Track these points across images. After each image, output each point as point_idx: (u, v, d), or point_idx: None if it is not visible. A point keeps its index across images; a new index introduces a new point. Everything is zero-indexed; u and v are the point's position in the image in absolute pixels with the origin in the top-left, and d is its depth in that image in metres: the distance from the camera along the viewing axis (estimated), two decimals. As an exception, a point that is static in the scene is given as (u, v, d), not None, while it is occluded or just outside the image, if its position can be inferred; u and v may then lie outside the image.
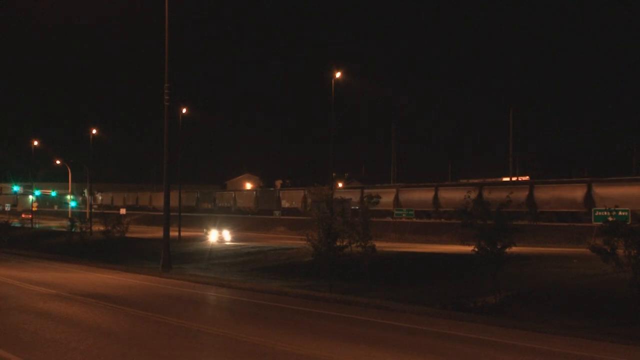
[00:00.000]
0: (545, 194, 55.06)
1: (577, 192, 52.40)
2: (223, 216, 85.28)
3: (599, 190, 50.76)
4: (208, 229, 54.83)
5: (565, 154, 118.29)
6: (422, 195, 64.86)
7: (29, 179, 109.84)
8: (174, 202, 63.50)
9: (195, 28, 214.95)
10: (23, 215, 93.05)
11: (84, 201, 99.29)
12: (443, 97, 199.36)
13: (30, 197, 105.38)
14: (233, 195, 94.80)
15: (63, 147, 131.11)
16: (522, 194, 55.12)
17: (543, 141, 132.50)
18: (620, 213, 40.45)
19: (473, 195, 26.81)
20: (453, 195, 56.13)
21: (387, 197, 66.98)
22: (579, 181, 56.03)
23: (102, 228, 49.95)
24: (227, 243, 50.76)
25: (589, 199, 50.98)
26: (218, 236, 52.59)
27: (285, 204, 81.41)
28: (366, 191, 69.48)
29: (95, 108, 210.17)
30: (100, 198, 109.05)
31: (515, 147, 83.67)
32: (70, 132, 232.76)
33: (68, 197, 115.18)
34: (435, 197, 62.39)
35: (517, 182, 66.22)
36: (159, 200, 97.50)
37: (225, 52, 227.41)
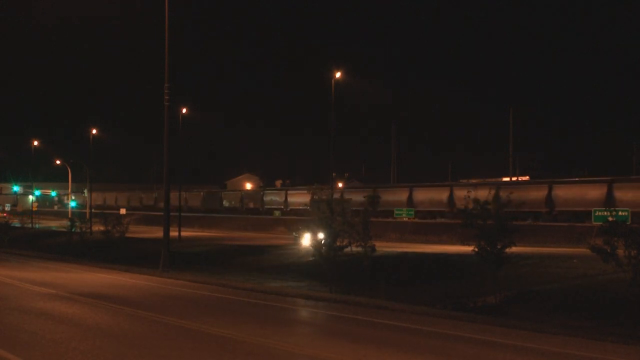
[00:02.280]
0: (565, 193, 54.15)
1: (596, 192, 51.34)
2: (228, 216, 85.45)
3: (618, 191, 50.02)
4: (298, 231, 47.02)
5: (565, 154, 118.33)
6: (437, 195, 63.86)
7: (29, 179, 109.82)
8: (176, 202, 63.78)
9: (195, 28, 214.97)
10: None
11: (74, 200, 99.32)
12: (443, 97, 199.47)
13: (30, 197, 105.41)
14: (240, 195, 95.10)
15: (63, 147, 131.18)
16: (540, 194, 54.87)
17: (543, 141, 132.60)
18: (620, 213, 40.47)
19: (490, 194, 26.46)
20: (469, 195, 55.26)
21: (400, 196, 66.85)
22: (598, 181, 54.58)
23: (102, 228, 49.96)
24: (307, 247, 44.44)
25: (609, 199, 49.93)
26: (311, 240, 45.80)
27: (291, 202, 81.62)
28: (378, 190, 69.49)
29: (95, 108, 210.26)
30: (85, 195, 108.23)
31: (515, 147, 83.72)
32: (70, 132, 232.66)
33: (55, 196, 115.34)
34: (450, 196, 60.98)
35: (534, 181, 64.73)
36: (186, 200, 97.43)
37: (225, 52, 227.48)
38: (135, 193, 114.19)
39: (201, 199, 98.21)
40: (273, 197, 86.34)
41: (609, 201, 49.49)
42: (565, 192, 54.27)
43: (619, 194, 49.92)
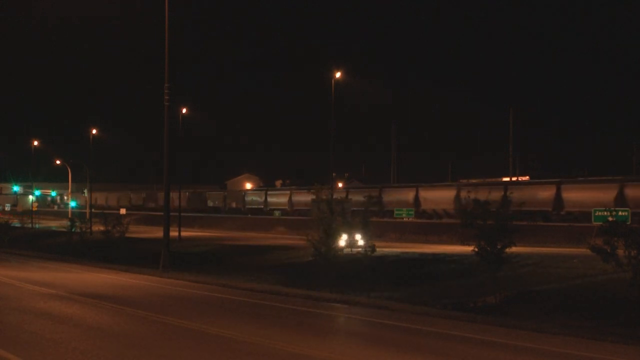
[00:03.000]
0: (574, 193, 53.67)
1: (609, 193, 50.75)
2: (228, 216, 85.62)
3: (630, 192, 49.58)
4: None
5: (565, 154, 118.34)
6: (443, 195, 63.42)
7: (29, 179, 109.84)
8: (182, 203, 63.84)
9: (195, 28, 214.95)
10: None
11: (61, 200, 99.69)
12: (443, 97, 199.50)
13: (30, 197, 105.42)
14: (223, 195, 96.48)
15: (63, 147, 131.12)
16: (548, 194, 54.55)
17: (543, 141, 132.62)
18: (620, 213, 40.42)
19: (496, 194, 26.33)
20: (476, 195, 53.94)
21: (405, 196, 66.72)
22: (610, 180, 54.11)
23: (102, 228, 49.93)
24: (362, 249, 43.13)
25: (620, 199, 49.39)
26: (348, 240, 42.85)
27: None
28: (383, 190, 69.49)
29: (95, 108, 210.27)
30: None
31: (515, 147, 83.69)
32: (70, 132, 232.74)
33: (55, 196, 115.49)
34: (457, 196, 59.69)
35: (543, 181, 64.31)
36: (172, 200, 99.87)
37: (225, 52, 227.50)
38: (135, 193, 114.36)
39: (186, 198, 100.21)
40: (253, 197, 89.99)
41: (620, 202, 49.00)
42: (575, 194, 53.60)
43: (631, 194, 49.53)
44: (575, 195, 53.58)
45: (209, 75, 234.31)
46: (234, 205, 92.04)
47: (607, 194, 50.77)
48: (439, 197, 63.62)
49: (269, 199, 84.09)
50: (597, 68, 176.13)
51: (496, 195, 25.74)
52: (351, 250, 32.54)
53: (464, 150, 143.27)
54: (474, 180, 78.15)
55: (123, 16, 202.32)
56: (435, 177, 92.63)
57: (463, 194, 56.88)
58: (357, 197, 60.98)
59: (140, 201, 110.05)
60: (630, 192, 49.66)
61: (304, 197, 71.57)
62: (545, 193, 55.04)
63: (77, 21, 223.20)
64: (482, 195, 25.02)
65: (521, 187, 57.73)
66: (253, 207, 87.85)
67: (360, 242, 42.85)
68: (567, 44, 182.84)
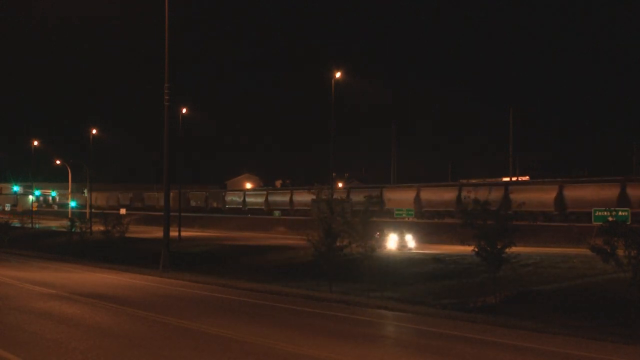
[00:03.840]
0: (576, 193, 53.44)
1: (611, 192, 50.54)
2: (228, 216, 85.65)
3: (631, 191, 49.50)
4: (382, 232, 42.05)
5: (565, 154, 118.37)
6: (444, 195, 63.07)
7: (29, 179, 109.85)
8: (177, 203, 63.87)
9: (195, 28, 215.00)
10: None
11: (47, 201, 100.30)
12: (443, 97, 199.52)
13: (30, 197, 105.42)
14: (205, 195, 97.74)
15: (63, 147, 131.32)
16: (550, 195, 54.39)
17: (543, 141, 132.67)
18: (620, 213, 40.39)
19: (498, 194, 26.25)
20: (477, 195, 53.00)
21: (406, 196, 66.58)
22: (611, 180, 53.94)
23: (102, 228, 49.93)
24: (414, 251, 40.45)
25: (623, 199, 49.25)
26: (398, 242, 41.25)
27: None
28: (384, 190, 69.44)
29: (95, 108, 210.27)
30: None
31: (515, 147, 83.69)
32: (71, 132, 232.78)
33: (55, 196, 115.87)
34: (459, 196, 59.04)
35: (543, 181, 63.67)
36: (157, 200, 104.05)
37: (226, 52, 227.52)
38: (136, 193, 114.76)
39: (171, 198, 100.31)
40: (233, 197, 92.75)
41: (622, 201, 48.80)
42: (577, 193, 53.41)
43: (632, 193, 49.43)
44: (578, 194, 53.21)
45: (209, 75, 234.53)
46: (214, 205, 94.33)
47: (609, 193, 50.51)
48: (441, 197, 63.32)
49: (250, 199, 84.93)
50: (597, 68, 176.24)
51: (497, 195, 25.61)
52: (402, 252, 31.92)
53: (464, 150, 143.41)
54: (473, 180, 78.16)
55: (123, 16, 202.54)
56: (435, 177, 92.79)
57: (465, 194, 57.22)
58: (359, 197, 61.02)
59: (127, 201, 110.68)
60: (632, 191, 49.50)
61: (303, 197, 71.76)
62: (548, 194, 54.84)
63: (77, 21, 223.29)
64: (483, 195, 24.97)
65: (523, 187, 57.59)
66: (232, 206, 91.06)
67: (411, 244, 41.90)
68: (567, 44, 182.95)
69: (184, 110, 62.14)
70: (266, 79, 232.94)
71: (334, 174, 65.43)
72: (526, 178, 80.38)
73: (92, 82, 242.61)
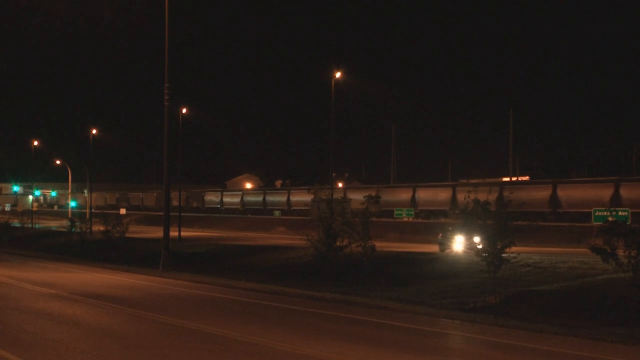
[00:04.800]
0: (569, 193, 53.31)
1: (605, 192, 50.28)
2: (228, 216, 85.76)
3: (624, 191, 49.34)
4: (446, 233, 39.15)
5: (565, 154, 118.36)
6: (440, 195, 62.97)
7: (29, 179, 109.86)
8: (150, 202, 64.02)
9: (196, 28, 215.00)
10: None
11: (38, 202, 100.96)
12: (443, 97, 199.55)
13: (30, 197, 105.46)
14: (186, 195, 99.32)
15: (63, 147, 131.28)
16: (544, 194, 54.36)
17: (543, 141, 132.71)
18: (620, 213, 40.35)
19: (494, 195, 25.95)
20: (476, 195, 52.04)
21: (403, 196, 66.58)
22: (605, 180, 53.65)
23: (102, 228, 49.94)
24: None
25: (616, 199, 49.02)
26: (466, 243, 34.94)
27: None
28: (381, 190, 69.44)
29: (95, 108, 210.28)
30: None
31: (515, 147, 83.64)
32: (71, 132, 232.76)
33: (55, 196, 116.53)
34: (453, 196, 59.48)
35: (538, 181, 63.39)
36: (142, 200, 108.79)
37: (225, 52, 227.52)
38: (121, 193, 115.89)
39: (154, 198, 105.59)
40: (211, 198, 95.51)
41: (615, 201, 48.73)
42: (571, 192, 53.40)
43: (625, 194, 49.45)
44: (571, 194, 53.35)
45: (209, 75, 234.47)
46: (194, 204, 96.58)
47: (603, 193, 50.61)
48: (436, 197, 63.63)
49: (275, 199, 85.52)
50: (597, 68, 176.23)
51: (492, 195, 25.56)
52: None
53: (464, 150, 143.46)
54: (473, 180, 78.04)
55: (123, 16, 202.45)
56: (435, 177, 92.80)
57: (459, 194, 56.38)
58: (358, 197, 61.07)
59: (114, 201, 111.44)
60: (625, 191, 49.59)
61: (303, 197, 71.88)
62: (542, 193, 54.95)
63: (77, 21, 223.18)
64: (480, 195, 24.91)
65: (518, 187, 57.52)
66: (210, 206, 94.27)
67: (481, 245, 38.92)
68: (567, 44, 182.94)
69: (184, 110, 62.13)
70: (266, 79, 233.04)
71: (333, 174, 65.42)
72: (526, 178, 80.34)
73: (92, 82, 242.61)
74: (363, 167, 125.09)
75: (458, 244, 35.90)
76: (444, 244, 38.28)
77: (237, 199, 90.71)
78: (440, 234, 40.06)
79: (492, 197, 25.53)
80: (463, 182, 77.87)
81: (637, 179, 52.41)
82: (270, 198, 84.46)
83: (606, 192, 50.48)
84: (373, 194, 61.73)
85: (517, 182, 67.73)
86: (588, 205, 49.71)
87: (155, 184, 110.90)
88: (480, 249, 24.67)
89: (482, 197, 24.71)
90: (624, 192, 49.46)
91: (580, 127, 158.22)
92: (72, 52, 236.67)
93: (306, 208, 68.78)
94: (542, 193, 54.93)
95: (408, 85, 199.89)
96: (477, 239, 28.82)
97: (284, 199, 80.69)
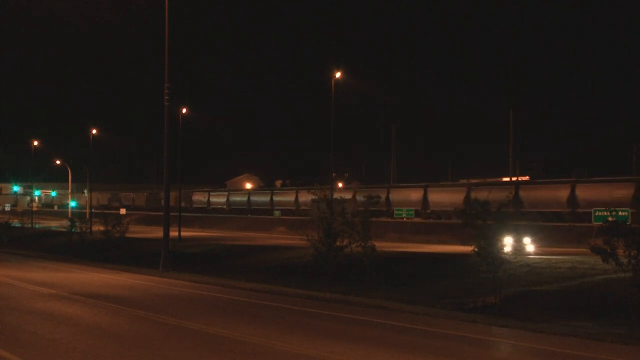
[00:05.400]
0: (587, 193, 52.15)
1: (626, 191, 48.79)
2: (228, 216, 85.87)
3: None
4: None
5: (565, 154, 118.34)
6: (454, 196, 61.02)
7: (29, 179, 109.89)
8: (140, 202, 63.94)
9: (195, 28, 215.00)
10: None
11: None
12: (443, 96, 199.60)
13: (29, 197, 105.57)
14: (176, 195, 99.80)
15: (63, 148, 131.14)
16: (562, 194, 53.71)
17: (543, 141, 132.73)
18: (620, 213, 40.23)
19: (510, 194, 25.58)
20: (486, 196, 44.45)
21: (412, 196, 66.09)
22: (625, 180, 52.36)
23: (102, 228, 49.92)
24: (533, 256, 33.79)
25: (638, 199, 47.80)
26: (513, 245, 32.54)
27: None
28: (392, 190, 69.19)
29: (95, 108, 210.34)
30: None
31: (515, 147, 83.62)
32: (70, 132, 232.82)
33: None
34: (468, 197, 56.74)
35: (555, 180, 61.17)
36: (133, 200, 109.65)
37: (226, 52, 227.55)
38: (113, 194, 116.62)
39: (145, 198, 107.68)
40: (199, 198, 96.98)
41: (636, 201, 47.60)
42: (590, 192, 52.14)
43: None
44: (590, 194, 51.90)
45: (209, 74, 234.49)
46: (183, 204, 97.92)
47: (623, 193, 49.05)
48: (449, 198, 62.53)
49: (279, 198, 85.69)
50: (597, 68, 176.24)
51: (508, 195, 25.33)
52: (515, 258, 29.07)
53: (464, 150, 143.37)
54: (474, 180, 77.96)
55: (123, 16, 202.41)
56: (434, 177, 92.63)
57: (474, 194, 53.51)
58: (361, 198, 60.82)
59: (106, 201, 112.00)
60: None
61: (303, 197, 71.93)
62: (560, 192, 54.12)
63: (77, 21, 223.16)
64: (496, 195, 24.79)
65: (534, 187, 57.09)
66: (197, 206, 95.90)
67: (530, 248, 35.65)
68: (567, 44, 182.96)
69: (184, 111, 62.10)
70: (266, 79, 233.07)
71: (333, 174, 65.40)
72: (526, 178, 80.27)
73: (92, 82, 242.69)
74: (363, 167, 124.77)
75: (507, 246, 33.56)
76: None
77: (244, 198, 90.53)
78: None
79: (509, 197, 25.09)
80: (474, 182, 77.41)
81: None
82: (277, 198, 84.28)
83: (627, 192, 48.74)
84: (382, 194, 61.77)
85: (533, 182, 66.38)
86: (610, 205, 45.16)
87: (156, 183, 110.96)
88: (481, 248, 24.68)
89: (498, 196, 24.60)
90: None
91: (581, 127, 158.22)
92: (71, 52, 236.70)
93: (306, 208, 68.85)
94: (559, 193, 54.10)
95: (408, 85, 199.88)
96: (526, 240, 28.16)
97: (291, 198, 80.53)
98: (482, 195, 24.94)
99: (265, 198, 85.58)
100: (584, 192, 52.79)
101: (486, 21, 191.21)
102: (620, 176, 55.53)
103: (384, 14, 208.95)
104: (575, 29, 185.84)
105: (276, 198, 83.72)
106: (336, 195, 31.66)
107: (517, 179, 77.05)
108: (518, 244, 31.62)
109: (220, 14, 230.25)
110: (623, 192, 49.38)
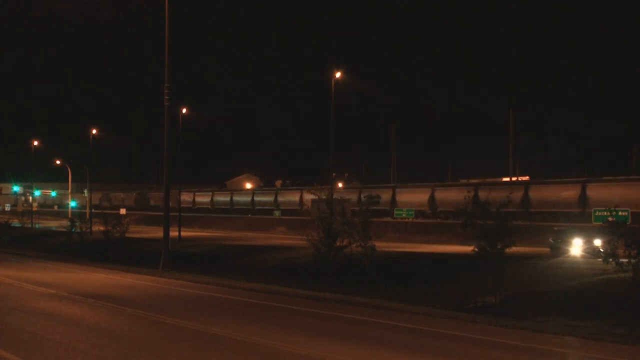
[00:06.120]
0: (599, 193, 51.63)
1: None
2: (228, 216, 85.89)
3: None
4: (558, 236, 35.49)
5: (565, 154, 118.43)
6: (462, 196, 61.54)
7: (29, 179, 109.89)
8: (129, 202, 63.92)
9: (195, 28, 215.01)
10: None
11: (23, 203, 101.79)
12: (443, 96, 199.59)
13: (30, 197, 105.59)
14: (161, 195, 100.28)
15: (63, 148, 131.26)
16: (572, 193, 53.44)
17: (542, 141, 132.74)
18: (620, 213, 40.22)
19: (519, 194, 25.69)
20: (496, 195, 47.59)
21: (421, 196, 65.76)
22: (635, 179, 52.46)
23: (102, 228, 49.92)
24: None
25: None
26: (586, 247, 32.78)
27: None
28: (398, 190, 69.00)
29: (95, 108, 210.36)
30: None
31: (515, 147, 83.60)
32: (70, 132, 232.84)
33: (55, 195, 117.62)
34: (475, 197, 57.69)
35: (564, 180, 60.74)
36: (123, 200, 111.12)
37: (226, 52, 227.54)
38: (104, 194, 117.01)
39: (134, 198, 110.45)
40: (184, 198, 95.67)
41: None
42: (601, 192, 51.56)
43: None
44: (601, 194, 51.35)
45: (209, 74, 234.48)
46: (171, 204, 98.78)
47: (635, 192, 48.62)
48: (456, 197, 62.02)
49: (281, 199, 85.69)
50: (597, 68, 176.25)
51: (517, 195, 25.30)
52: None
53: (464, 150, 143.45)
54: (473, 180, 77.98)
55: (123, 16, 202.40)
56: (434, 177, 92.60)
57: (482, 194, 53.52)
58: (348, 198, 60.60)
59: (97, 201, 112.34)
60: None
61: (308, 197, 71.88)
62: (569, 192, 53.69)
63: (77, 21, 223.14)
64: (503, 195, 24.81)
65: (543, 187, 56.81)
66: (184, 206, 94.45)
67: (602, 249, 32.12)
68: (566, 44, 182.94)
69: (184, 111, 62.12)
70: (266, 79, 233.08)
71: (333, 174, 65.41)
72: (526, 178, 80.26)
73: (92, 82, 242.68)
74: (363, 167, 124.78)
75: (576, 247, 33.05)
76: (559, 248, 34.54)
77: (247, 198, 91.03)
78: (552, 237, 36.35)
79: (518, 197, 25.20)
80: (482, 181, 77.14)
81: None
82: (281, 198, 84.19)
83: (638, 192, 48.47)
84: (387, 195, 61.68)
85: (542, 181, 65.89)
86: (624, 205, 44.65)
87: (156, 183, 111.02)
88: (481, 248, 24.69)
89: (504, 196, 24.68)
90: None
91: (581, 127, 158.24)
92: (72, 52, 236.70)
93: (309, 208, 68.61)
94: (569, 193, 53.65)
95: (408, 85, 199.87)
96: (597, 242, 26.87)
97: (295, 199, 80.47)
98: (491, 195, 24.75)
99: (268, 198, 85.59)
100: (595, 192, 52.08)
101: (486, 21, 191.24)
102: (624, 175, 55.36)
103: (384, 14, 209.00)
104: (575, 29, 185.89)
105: (280, 198, 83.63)
106: (336, 196, 31.70)
107: (517, 179, 77.07)
108: (588, 245, 31.84)
109: (220, 14, 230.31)
110: (635, 191, 48.74)
